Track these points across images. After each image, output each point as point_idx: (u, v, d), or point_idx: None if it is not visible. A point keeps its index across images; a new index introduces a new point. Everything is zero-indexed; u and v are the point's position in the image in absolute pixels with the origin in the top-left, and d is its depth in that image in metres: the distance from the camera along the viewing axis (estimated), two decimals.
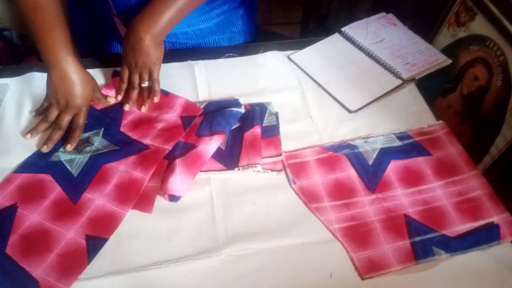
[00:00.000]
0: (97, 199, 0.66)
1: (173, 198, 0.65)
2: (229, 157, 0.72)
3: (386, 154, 0.74)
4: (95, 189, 0.67)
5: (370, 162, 0.73)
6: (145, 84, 0.78)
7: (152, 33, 0.73)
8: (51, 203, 0.66)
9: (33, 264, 0.59)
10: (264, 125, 0.76)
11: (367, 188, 0.69)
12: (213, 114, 0.76)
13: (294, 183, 0.70)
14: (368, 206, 0.67)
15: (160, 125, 0.77)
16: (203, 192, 0.68)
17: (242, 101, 0.80)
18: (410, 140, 0.76)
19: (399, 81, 0.86)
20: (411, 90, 0.86)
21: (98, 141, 0.73)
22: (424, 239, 0.64)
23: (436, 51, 0.90)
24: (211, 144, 0.71)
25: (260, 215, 0.66)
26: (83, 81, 0.74)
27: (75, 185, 0.68)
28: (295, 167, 0.72)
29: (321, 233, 0.64)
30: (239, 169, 0.70)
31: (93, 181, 0.68)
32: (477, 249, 0.63)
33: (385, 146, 0.75)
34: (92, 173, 0.69)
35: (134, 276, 0.59)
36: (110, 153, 0.72)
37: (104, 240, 0.62)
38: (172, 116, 0.78)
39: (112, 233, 0.63)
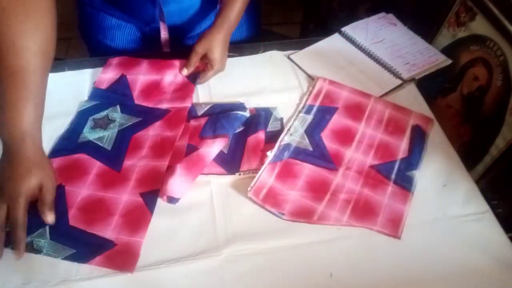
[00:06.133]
0: (138, 162, 0.70)
1: (172, 200, 0.65)
2: (230, 161, 0.72)
3: (308, 132, 0.75)
4: (133, 155, 0.71)
5: (310, 148, 0.73)
6: None
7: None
8: (96, 177, 0.68)
9: (101, 229, 0.62)
10: (268, 130, 0.76)
11: (330, 169, 0.71)
12: (217, 117, 0.76)
13: (283, 214, 0.65)
14: (345, 182, 0.69)
15: (171, 88, 0.81)
16: (203, 192, 0.68)
17: (247, 104, 0.79)
18: (315, 108, 0.79)
19: (399, 81, 0.86)
20: (411, 90, 0.86)
21: (120, 117, 0.76)
22: (397, 172, 0.70)
23: (436, 51, 0.90)
24: (213, 147, 0.71)
25: (260, 215, 0.66)
26: (31, 170, 0.61)
27: (113, 157, 0.70)
28: (268, 199, 0.66)
29: (321, 233, 0.64)
30: (239, 174, 0.70)
31: (128, 150, 0.71)
32: (424, 150, 0.73)
33: (306, 126, 0.76)
34: (124, 144, 0.72)
35: (134, 276, 0.59)
36: (135, 125, 0.75)
37: (157, 191, 0.66)
38: (177, 75, 0.82)
39: (161, 184, 0.66)
